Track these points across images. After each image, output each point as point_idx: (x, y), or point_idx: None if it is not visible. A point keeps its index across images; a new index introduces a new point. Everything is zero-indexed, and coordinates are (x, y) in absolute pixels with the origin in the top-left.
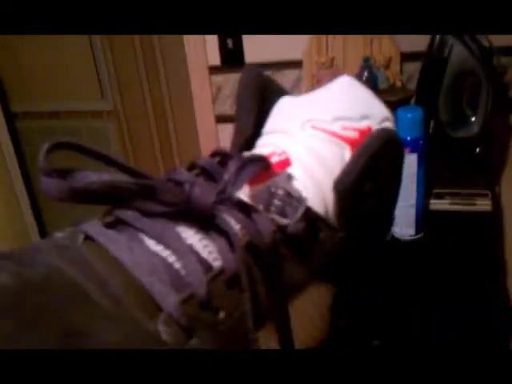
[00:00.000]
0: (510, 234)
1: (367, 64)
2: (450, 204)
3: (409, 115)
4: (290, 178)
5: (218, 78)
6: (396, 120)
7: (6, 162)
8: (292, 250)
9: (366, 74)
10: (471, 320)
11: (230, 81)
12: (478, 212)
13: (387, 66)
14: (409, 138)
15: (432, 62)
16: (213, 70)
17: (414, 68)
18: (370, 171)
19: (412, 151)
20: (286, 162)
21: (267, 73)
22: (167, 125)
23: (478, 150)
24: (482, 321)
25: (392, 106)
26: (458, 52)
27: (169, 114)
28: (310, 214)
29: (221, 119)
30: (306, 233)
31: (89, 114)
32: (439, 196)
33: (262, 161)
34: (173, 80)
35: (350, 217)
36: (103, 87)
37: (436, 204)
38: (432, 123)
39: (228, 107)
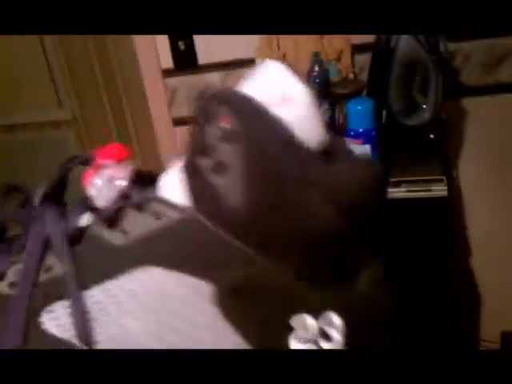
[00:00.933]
0: (467, 217)
1: (317, 58)
2: (407, 191)
3: (359, 107)
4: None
5: (173, 81)
6: (347, 112)
7: None
8: None
9: (316, 68)
10: (428, 304)
11: (185, 83)
12: (434, 198)
13: (339, 59)
14: (361, 130)
15: (380, 52)
16: (166, 73)
17: (365, 60)
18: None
19: (364, 142)
20: None
21: (223, 73)
22: (128, 131)
23: (431, 136)
24: (439, 304)
25: (345, 98)
26: (404, 41)
27: (129, 119)
28: None
29: (178, 122)
30: None
31: (47, 125)
32: (396, 184)
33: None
34: (130, 85)
35: None
36: (60, 97)
37: (393, 192)
38: (384, 113)
39: (185, 110)
